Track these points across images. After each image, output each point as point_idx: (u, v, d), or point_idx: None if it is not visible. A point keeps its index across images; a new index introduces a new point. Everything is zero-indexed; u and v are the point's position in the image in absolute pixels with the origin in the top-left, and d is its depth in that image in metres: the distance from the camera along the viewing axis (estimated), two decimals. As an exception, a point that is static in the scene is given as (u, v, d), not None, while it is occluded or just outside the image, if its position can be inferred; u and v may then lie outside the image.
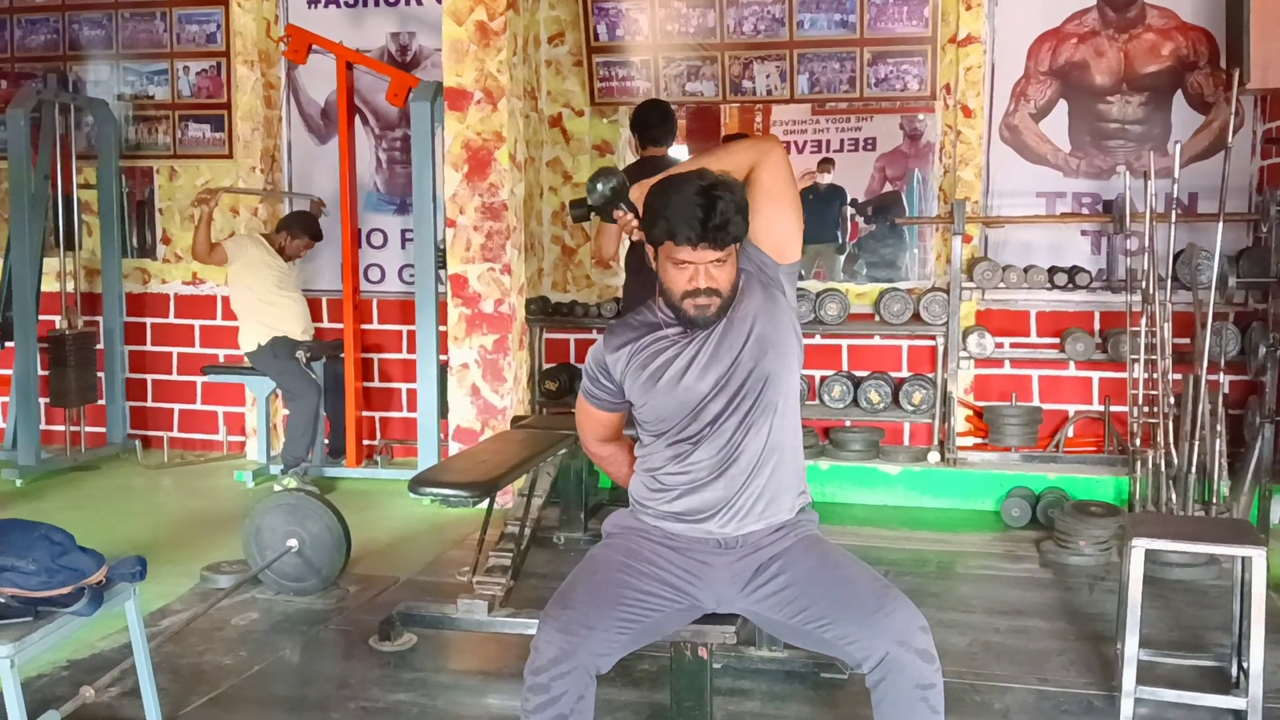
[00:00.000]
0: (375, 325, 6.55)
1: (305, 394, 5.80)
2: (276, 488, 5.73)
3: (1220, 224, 4.63)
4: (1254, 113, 5.48)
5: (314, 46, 6.00)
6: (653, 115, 5.06)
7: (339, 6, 6.42)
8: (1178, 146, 4.79)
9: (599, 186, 2.51)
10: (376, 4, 6.39)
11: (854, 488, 5.55)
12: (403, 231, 6.47)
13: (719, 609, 2.52)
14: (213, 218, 5.82)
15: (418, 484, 3.37)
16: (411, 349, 6.17)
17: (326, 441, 6.22)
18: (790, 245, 2.51)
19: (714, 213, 2.29)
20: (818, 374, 5.81)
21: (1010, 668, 3.49)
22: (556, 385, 6.03)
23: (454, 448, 5.44)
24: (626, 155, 6.34)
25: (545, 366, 6.23)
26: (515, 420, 4.89)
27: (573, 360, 6.29)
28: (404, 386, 6.52)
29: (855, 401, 5.64)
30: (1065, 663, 3.54)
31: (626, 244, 5.02)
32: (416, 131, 5.73)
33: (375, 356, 6.56)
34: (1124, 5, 5.59)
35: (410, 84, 5.85)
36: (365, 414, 6.44)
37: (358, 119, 6.38)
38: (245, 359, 5.98)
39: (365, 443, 6.37)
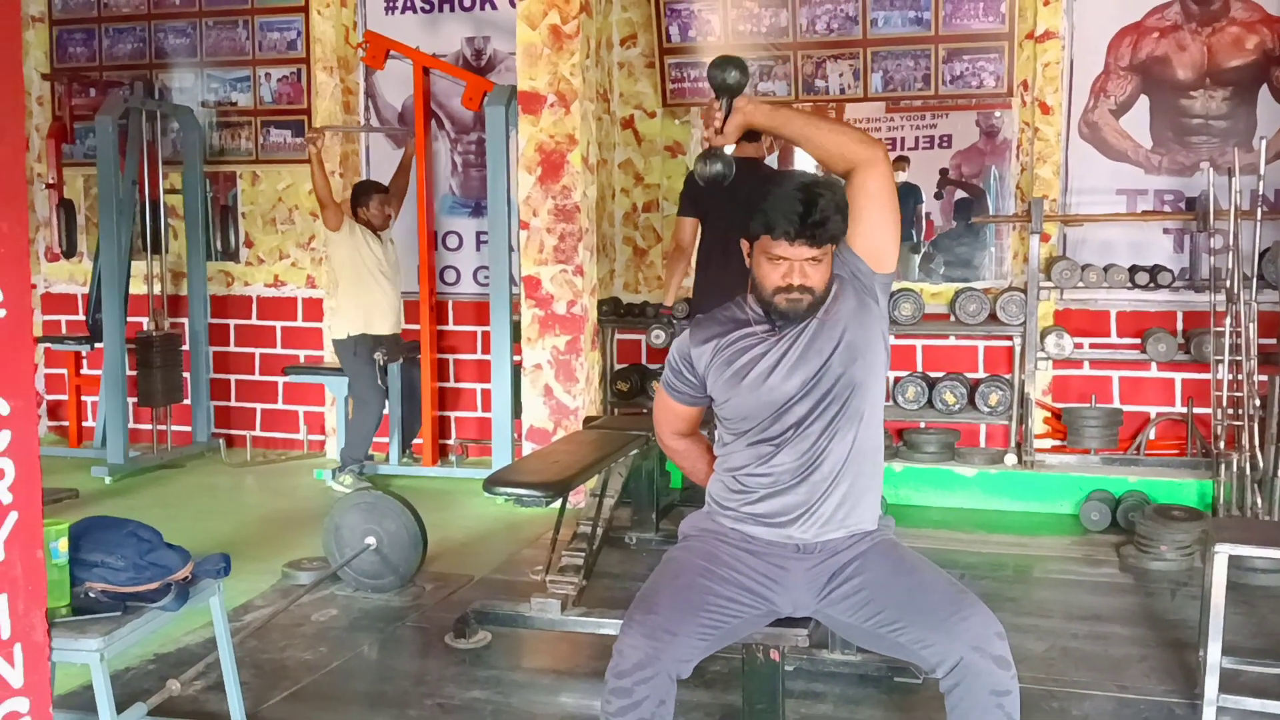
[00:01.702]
0: (451, 326, 6.64)
1: (372, 400, 5.91)
2: (330, 484, 5.85)
3: (1309, 221, 4.51)
4: (1344, 106, 5.32)
5: (391, 52, 6.10)
6: None
7: (415, 12, 6.52)
8: (1263, 142, 4.68)
9: (706, 167, 2.50)
10: (452, 9, 6.47)
11: (929, 490, 5.50)
12: (478, 234, 6.55)
13: (794, 614, 2.52)
14: (323, 159, 5.83)
15: (492, 483, 3.42)
16: (486, 350, 6.24)
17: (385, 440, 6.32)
18: (888, 254, 2.49)
19: (814, 209, 2.30)
20: (892, 375, 5.75)
21: (1089, 674, 3.44)
22: (628, 386, 6.06)
23: (527, 448, 5.50)
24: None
25: (617, 367, 6.26)
26: (587, 420, 4.93)
27: (644, 361, 6.31)
28: (478, 387, 6.60)
29: (930, 403, 5.58)
30: (1146, 670, 3.47)
31: (700, 241, 5.02)
32: (491, 135, 5.79)
33: (450, 357, 6.65)
34: (1207, -2, 5.47)
35: (485, 88, 5.92)
36: (441, 414, 6.53)
37: (434, 123, 6.48)
38: (331, 346, 6.06)
39: (441, 442, 6.47)
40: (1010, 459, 5.46)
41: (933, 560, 2.50)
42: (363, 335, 5.90)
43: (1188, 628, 3.75)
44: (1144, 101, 5.60)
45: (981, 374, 5.76)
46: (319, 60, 6.63)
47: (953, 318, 5.61)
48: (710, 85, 2.51)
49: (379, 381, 5.95)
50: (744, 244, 2.46)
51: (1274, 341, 4.85)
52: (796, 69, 5.96)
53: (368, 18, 6.58)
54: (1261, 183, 4.62)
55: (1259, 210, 4.63)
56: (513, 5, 5.67)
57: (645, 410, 5.70)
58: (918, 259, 6.10)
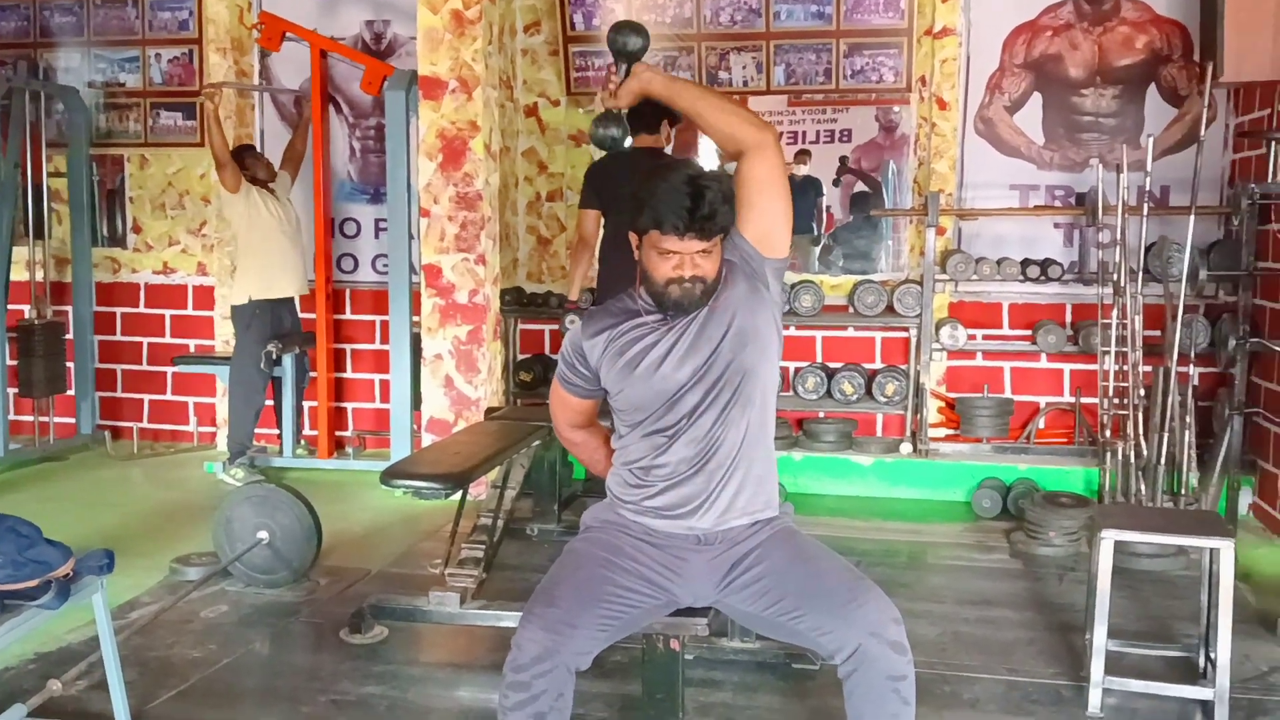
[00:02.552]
0: (348, 315, 6.51)
1: (252, 382, 5.79)
2: (221, 476, 5.72)
3: (1192, 217, 4.67)
4: (1226, 106, 5.51)
5: (287, 34, 5.95)
6: (642, 102, 4.99)
7: (313, -6, 6.37)
8: (1150, 140, 4.83)
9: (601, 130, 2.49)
10: (351, -9, 6.34)
11: (827, 479, 5.57)
12: (376, 221, 6.43)
13: (695, 604, 2.52)
14: (219, 116, 5.65)
15: (390, 476, 3.36)
16: (385, 339, 6.14)
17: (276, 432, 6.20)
18: (779, 240, 2.49)
19: (702, 202, 2.29)
20: (792, 365, 5.82)
21: (980, 658, 3.51)
22: (531, 376, 6.02)
23: (427, 439, 5.42)
24: (603, 146, 6.31)
25: (520, 357, 6.22)
26: (489, 411, 4.88)
27: (547, 351, 6.27)
28: (376, 377, 6.49)
29: (829, 393, 5.65)
30: (1034, 653, 3.56)
31: (603, 233, 5.00)
32: (391, 120, 5.69)
33: (348, 347, 6.52)
34: (1098, -2, 5.62)
35: (385, 72, 5.81)
36: (337, 405, 6.41)
37: (331, 108, 6.34)
38: (230, 312, 5.94)
39: (337, 434, 6.35)
40: (906, 448, 5.56)
41: (830, 547, 2.52)
42: (264, 302, 5.77)
43: (1074, 611, 3.85)
44: (1037, 98, 5.74)
45: (879, 364, 5.86)
46: (212, 41, 6.44)
47: (851, 309, 5.68)
48: (610, 49, 2.52)
49: (263, 364, 5.80)
50: (632, 237, 2.45)
51: (1158, 333, 5.01)
52: (700, 60, 5.98)
53: (263, -2, 6.42)
54: (1148, 179, 4.77)
55: (1145, 206, 4.78)
56: (413, -12, 5.57)
57: (548, 401, 5.64)
58: (817, 251, 6.16)
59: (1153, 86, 5.61)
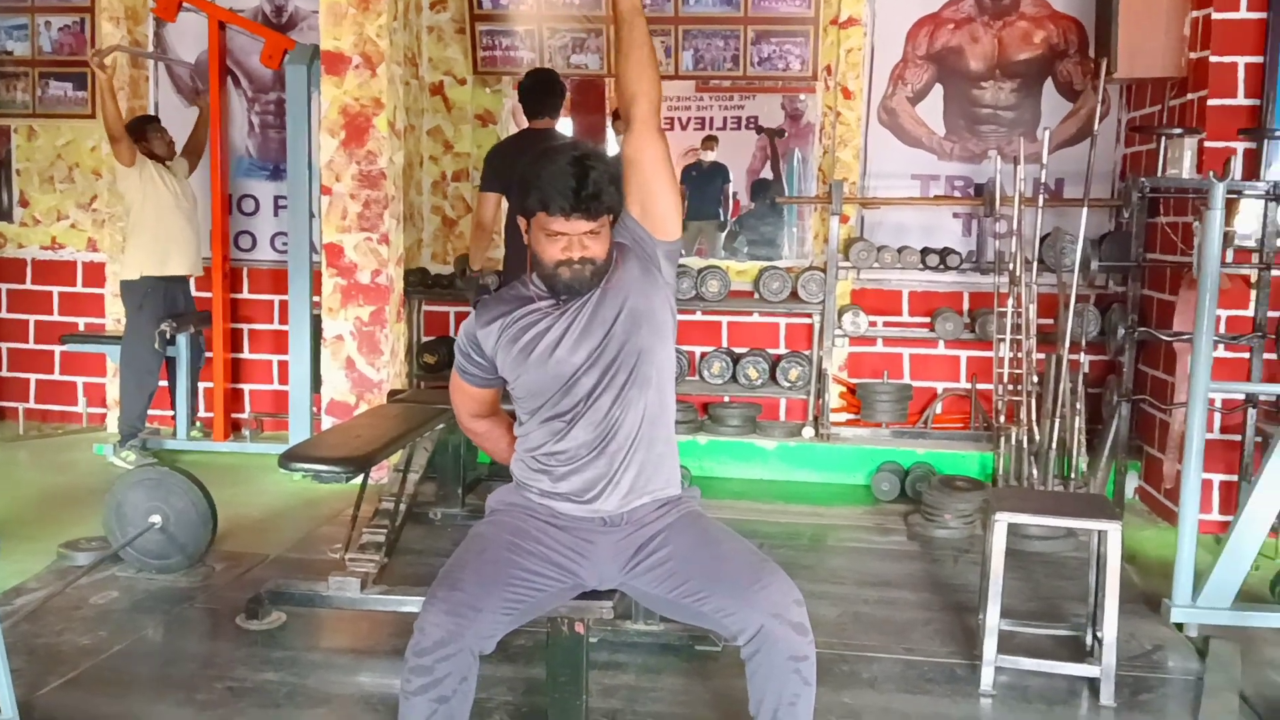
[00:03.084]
0: (246, 295, 6.35)
1: (144, 362, 5.65)
2: (111, 458, 5.56)
3: (1085, 209, 4.82)
4: (1119, 101, 5.69)
5: (184, 4, 5.76)
6: (539, 85, 5.00)
7: (210, -37, 6.17)
8: (1047, 133, 4.95)
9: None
10: (250, -39, 6.17)
11: (732, 462, 5.62)
12: (276, 198, 6.28)
13: (600, 586, 2.53)
14: (114, 87, 5.47)
15: (289, 459, 3.29)
16: (283, 320, 6.00)
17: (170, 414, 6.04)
18: (670, 221, 2.51)
19: (587, 183, 2.29)
20: (698, 350, 5.85)
21: (878, 638, 3.58)
22: (435, 359, 5.95)
23: (327, 422, 5.32)
24: (509, 125, 6.27)
25: (424, 339, 6.14)
26: (392, 394, 4.81)
27: (452, 333, 6.21)
28: (275, 358, 6.35)
29: (734, 378, 5.70)
30: (930, 633, 3.64)
31: (505, 215, 4.97)
32: (291, 96, 5.55)
33: (245, 327, 6.37)
34: (999, -8, 5.74)
35: (286, 46, 5.66)
36: (234, 386, 6.26)
37: (230, 81, 6.16)
38: (120, 289, 5.77)
39: (234, 416, 6.20)
40: (808, 432, 5.64)
41: (735, 530, 2.55)
42: (156, 279, 5.62)
43: (969, 592, 3.95)
44: (939, 90, 5.84)
45: (783, 350, 5.92)
46: (104, 10, 6.21)
47: (757, 295, 5.73)
48: None
49: (156, 344, 5.64)
50: (521, 221, 2.44)
51: (1052, 322, 5.15)
52: (609, 43, 5.95)
53: (159, -34, 6.19)
54: (1044, 171, 4.89)
55: (1041, 198, 4.91)
56: (316, -39, 5.44)
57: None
58: (724, 237, 6.21)
59: (1049, 81, 5.76)
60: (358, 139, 5.27)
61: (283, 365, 6.13)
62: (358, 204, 5.30)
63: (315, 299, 5.57)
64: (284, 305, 5.94)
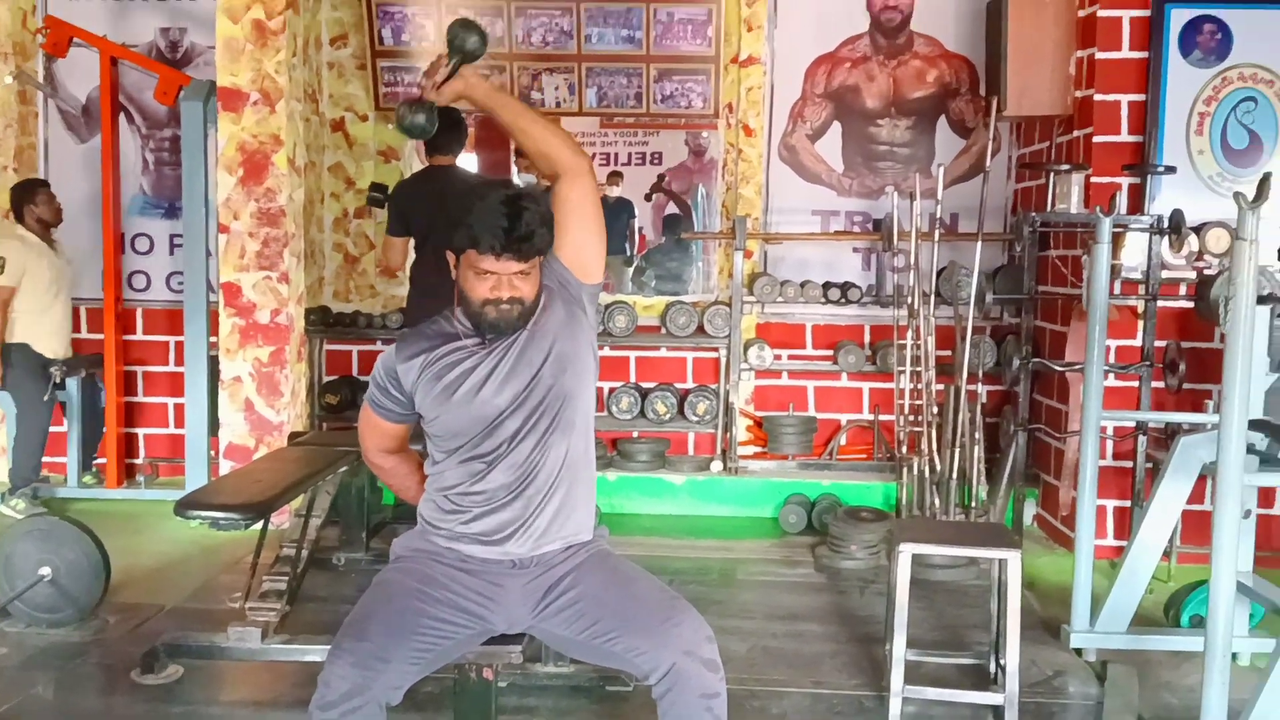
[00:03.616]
0: (139, 336, 6.17)
1: (34, 412, 5.46)
2: (2, 508, 5.36)
3: (979, 243, 4.95)
4: (1010, 139, 5.87)
5: (75, 39, 5.61)
6: (441, 123, 4.96)
7: (102, -2, 6.04)
8: (941, 169, 5.08)
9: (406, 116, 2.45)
10: (144, -3, 6.04)
11: (641, 498, 5.62)
12: (171, 237, 6.13)
13: (510, 630, 2.49)
14: None
15: (185, 506, 3.19)
16: (179, 361, 5.84)
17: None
18: (594, 265, 2.51)
19: (519, 223, 2.27)
20: (606, 385, 5.85)
21: (787, 672, 3.60)
22: (338, 399, 5.84)
23: (225, 466, 5.19)
24: (414, 162, 6.21)
25: (325, 379, 6.02)
26: (293, 437, 4.70)
27: (355, 373, 6.10)
28: (170, 401, 6.17)
29: (643, 413, 5.71)
30: (839, 665, 3.67)
31: (412, 255, 4.92)
32: (187, 132, 5.43)
33: (139, 369, 6.18)
34: (893, 32, 5.88)
35: (181, 82, 5.55)
36: (127, 431, 6.06)
37: (123, 118, 6.01)
38: None
39: (128, 462, 6.00)
40: (716, 466, 5.67)
41: (644, 567, 2.54)
42: (25, 345, 5.44)
43: (875, 623, 4.00)
44: (837, 127, 5.96)
45: (691, 384, 5.95)
46: (-11, 43, 6.02)
47: (664, 330, 5.76)
48: (447, 41, 2.47)
49: (44, 395, 5.45)
50: (449, 256, 2.41)
51: (950, 353, 5.27)
52: (513, 79, 5.96)
53: (49, 2, 6.03)
54: (939, 207, 5.02)
55: (937, 232, 5.04)
56: (212, -4, 5.36)
57: (356, 425, 5.49)
58: (630, 272, 6.23)
59: (943, 119, 5.92)
60: (256, 176, 5.18)
61: (178, 408, 5.95)
62: (256, 242, 5.20)
63: (212, 340, 5.43)
64: (179, 346, 5.78)
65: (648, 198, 6.21)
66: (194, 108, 5.38)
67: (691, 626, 2.33)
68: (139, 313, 6.16)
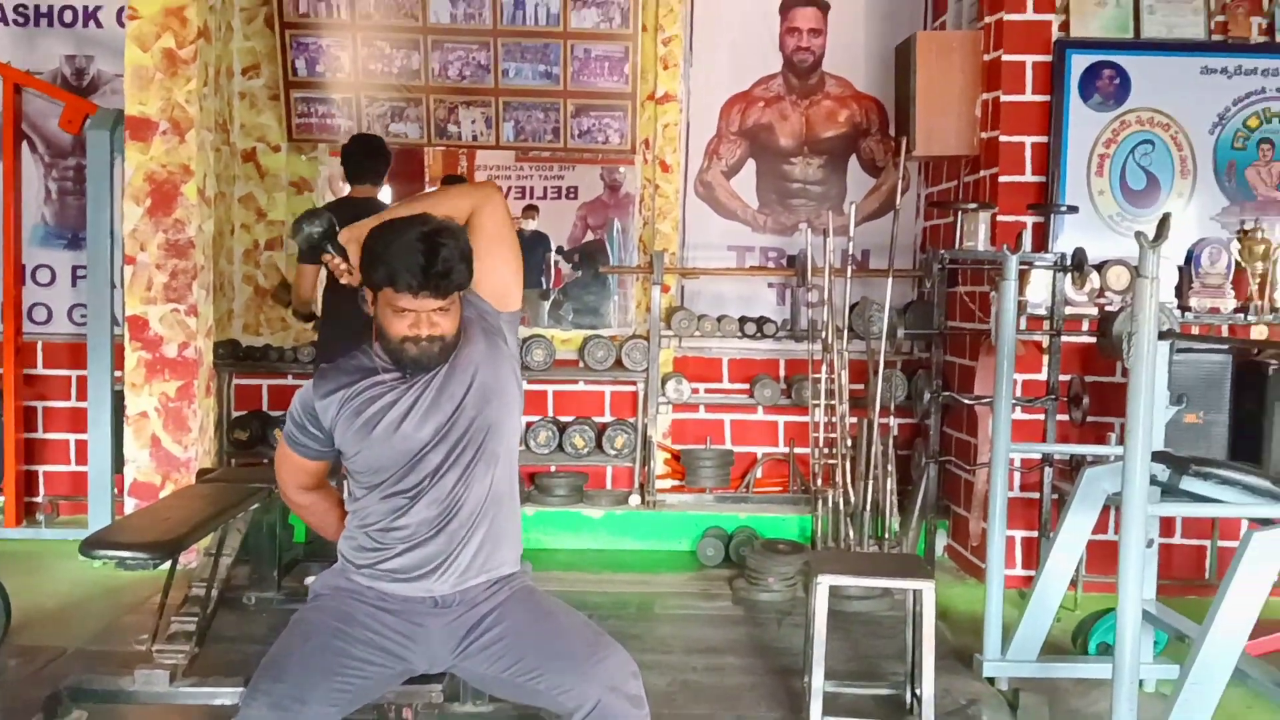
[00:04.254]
0: (40, 370, 5.98)
1: None
2: None
3: (890, 279, 5.07)
4: (919, 178, 6.03)
5: (-25, 65, 5.47)
6: (363, 150, 4.91)
7: (6, 24, 5.87)
8: (853, 207, 5.20)
9: (305, 228, 2.41)
10: (50, 24, 5.89)
11: (559, 532, 5.60)
12: (74, 268, 5.96)
13: (431, 670, 2.46)
14: None
15: (92, 545, 3.08)
16: (82, 396, 5.67)
17: None
18: (512, 293, 2.51)
19: (436, 260, 2.25)
20: (524, 419, 5.82)
21: (707, 706, 3.60)
22: (247, 434, 5.72)
23: (130, 504, 5.04)
24: (325, 193, 6.15)
25: (235, 414, 5.90)
26: (201, 473, 4.59)
27: (265, 408, 5.99)
28: (72, 437, 5.98)
29: (561, 447, 5.70)
30: (758, 698, 3.69)
31: (323, 286, 4.86)
32: (93, 162, 5.31)
33: (39, 405, 5.98)
34: (805, 73, 6.01)
35: (87, 110, 5.43)
36: (27, 468, 5.86)
37: (25, 145, 5.85)
38: None
39: (27, 500, 5.80)
40: (634, 499, 5.67)
41: (565, 602, 2.53)
42: None
43: (793, 655, 4.02)
44: (752, 165, 6.06)
45: (609, 418, 5.95)
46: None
47: (582, 363, 5.76)
48: (306, 248, 2.48)
49: None
50: (367, 293, 2.39)
51: (863, 387, 5.36)
52: (429, 112, 5.94)
53: (-53, 25, 5.86)
54: (851, 243, 5.13)
55: (849, 268, 5.15)
56: (121, 25, 5.26)
57: (266, 460, 5.41)
58: (547, 306, 6.23)
59: (854, 158, 6.05)
60: (165, 207, 5.08)
61: (80, 445, 5.77)
62: (164, 274, 5.09)
63: (117, 374, 5.29)
64: (82, 381, 5.61)
65: (559, 250, 6.21)
66: (100, 136, 5.27)
67: (617, 662, 2.33)
68: (39, 346, 5.96)
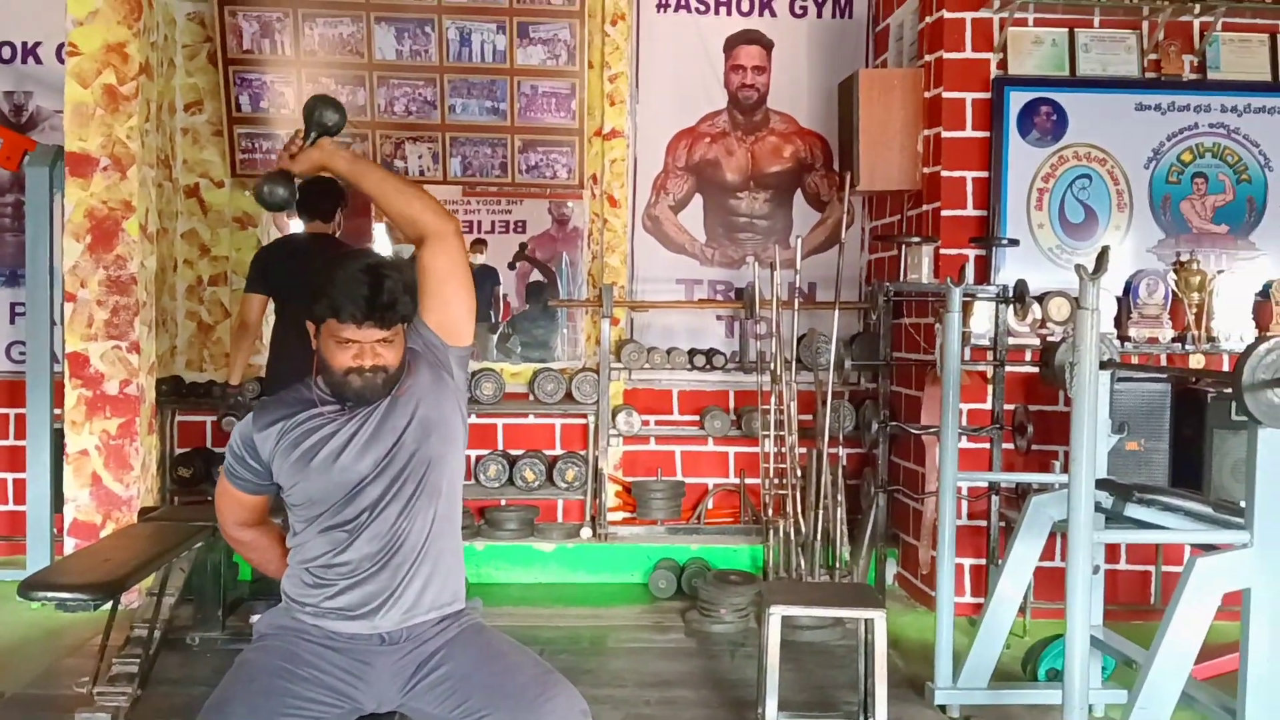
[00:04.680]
0: (-24, 409, 5.86)
1: None
2: None
3: (836, 311, 5.13)
4: (863, 212, 6.11)
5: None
6: (318, 188, 4.82)
7: (-59, 59, 5.80)
8: (799, 240, 5.26)
9: (267, 190, 2.41)
10: (-13, 59, 5.83)
11: (510, 567, 5.56)
12: (13, 305, 5.86)
13: (379, 709, 2.42)
14: None
15: (31, 587, 3.04)
16: (20, 435, 5.56)
17: None
18: (463, 328, 2.50)
19: (381, 291, 2.25)
20: (474, 453, 5.78)
21: (662, 740, 3.58)
22: (191, 472, 5.63)
23: (69, 544, 4.93)
24: (270, 229, 6.10)
25: (178, 452, 5.80)
26: (144, 512, 4.52)
27: (209, 444, 5.90)
28: (10, 476, 5.85)
29: (511, 480, 5.67)
30: (712, 731, 3.68)
31: (271, 320, 4.82)
32: (32, 198, 5.23)
33: (-24, 444, 5.86)
34: (750, 109, 6.08)
35: (26, 147, 5.35)
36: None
37: (-39, 181, 5.76)
38: None
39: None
40: (586, 533, 5.65)
41: (515, 637, 2.51)
42: None
43: (746, 686, 4.02)
44: (698, 199, 6.11)
45: (559, 451, 5.94)
46: None
47: (532, 397, 5.75)
48: (304, 117, 2.45)
49: None
50: (310, 325, 2.38)
51: (811, 418, 5.39)
52: (375, 148, 5.93)
53: (-120, 59, 5.77)
54: (798, 276, 5.18)
55: (796, 301, 5.20)
56: (60, 61, 5.20)
57: (210, 498, 5.31)
58: (496, 339, 6.22)
59: (799, 192, 6.12)
60: (106, 243, 5.01)
61: (19, 484, 5.65)
62: (105, 310, 5.02)
63: (56, 411, 5.19)
64: (21, 419, 5.50)
65: (511, 266, 6.23)
66: (40, 173, 5.20)
67: (566, 701, 2.31)
68: (-25, 384, 5.85)
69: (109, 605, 3.26)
